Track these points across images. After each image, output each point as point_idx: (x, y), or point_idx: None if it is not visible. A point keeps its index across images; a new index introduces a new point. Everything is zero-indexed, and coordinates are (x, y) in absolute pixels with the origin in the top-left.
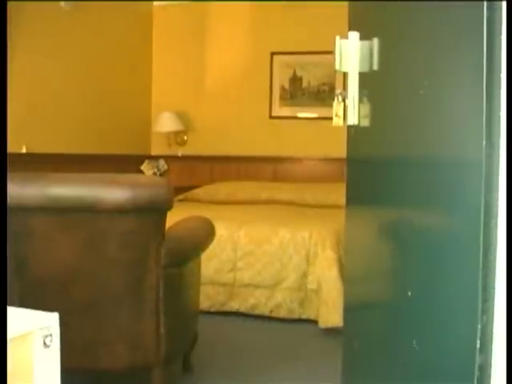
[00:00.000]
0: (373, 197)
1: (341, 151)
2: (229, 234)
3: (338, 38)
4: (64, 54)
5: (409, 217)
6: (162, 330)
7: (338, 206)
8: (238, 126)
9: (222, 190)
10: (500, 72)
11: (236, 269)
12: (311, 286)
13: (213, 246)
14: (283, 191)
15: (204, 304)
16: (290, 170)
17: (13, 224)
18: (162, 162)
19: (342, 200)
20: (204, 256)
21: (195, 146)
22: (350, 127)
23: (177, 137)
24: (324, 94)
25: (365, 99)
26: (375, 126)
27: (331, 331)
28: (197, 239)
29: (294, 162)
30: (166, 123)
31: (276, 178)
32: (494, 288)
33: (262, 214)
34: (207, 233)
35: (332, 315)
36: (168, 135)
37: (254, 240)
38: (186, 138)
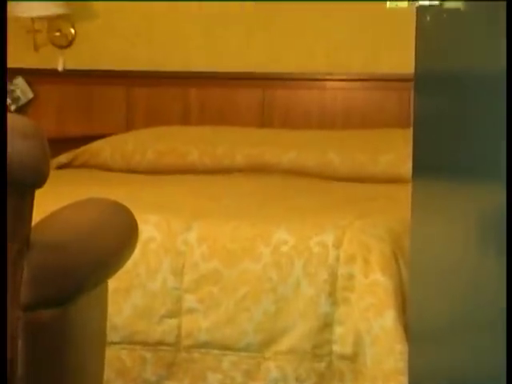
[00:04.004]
0: (472, 159)
1: (401, 62)
2: (166, 237)
3: None
4: None
5: None
6: None
7: (394, 179)
8: (185, 6)
9: (151, 143)
10: None
11: (182, 311)
12: (341, 347)
13: (133, 264)
14: (282, 147)
15: None
16: (296, 102)
17: None
18: (21, 84)
19: (404, 166)
20: (115, 284)
21: (94, 51)
22: (421, 11)
23: (52, 29)
24: None
25: None
26: (478, 10)
27: None
28: (98, 250)
29: (306, 87)
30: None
31: (267, 119)
32: None
33: (235, 197)
34: (122, 235)
35: None
36: (34, 25)
37: (220, 250)
38: (73, 31)
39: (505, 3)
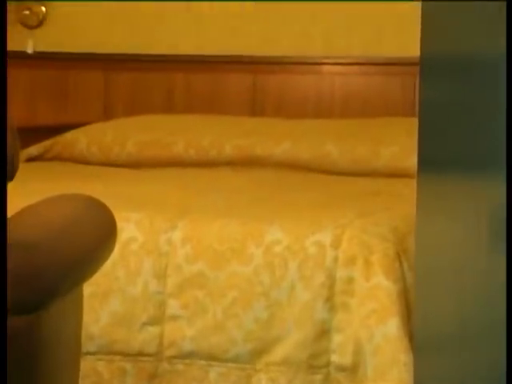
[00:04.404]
0: (485, 151)
1: (405, 45)
2: (148, 237)
3: None
4: None
5: None
6: None
7: (398, 173)
8: None
9: (132, 134)
10: None
11: (165, 318)
12: (339, 357)
13: (111, 266)
14: (275, 138)
15: None
16: (290, 88)
17: None
18: None
19: (409, 159)
20: (91, 289)
21: (68, 32)
22: None
23: (21, 7)
24: None
25: None
26: None
27: None
28: (73, 250)
29: (301, 71)
30: None
31: (259, 107)
32: None
33: (223, 193)
34: (99, 235)
35: None
36: None
37: (206, 251)
38: (44, 10)
39: (505, 3)
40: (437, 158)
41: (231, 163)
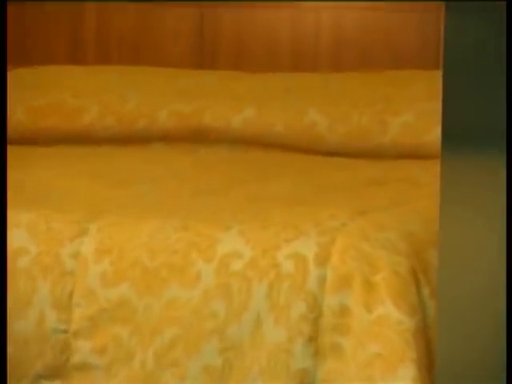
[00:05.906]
0: None
1: None
2: (45, 247)
3: None
4: None
5: None
6: None
7: (412, 152)
8: None
9: (22, 96)
10: None
11: (69, 368)
12: None
13: None
14: (233, 102)
15: None
16: (254, 30)
17: None
18: None
19: (429, 132)
20: None
21: None
22: None
23: None
24: None
25: None
26: None
27: None
28: None
29: (271, 5)
30: None
31: (208, 56)
32: None
33: (157, 182)
34: None
35: None
36: None
37: (132, 268)
38: None
39: (505, 3)
40: (469, 131)
41: (168, 138)
